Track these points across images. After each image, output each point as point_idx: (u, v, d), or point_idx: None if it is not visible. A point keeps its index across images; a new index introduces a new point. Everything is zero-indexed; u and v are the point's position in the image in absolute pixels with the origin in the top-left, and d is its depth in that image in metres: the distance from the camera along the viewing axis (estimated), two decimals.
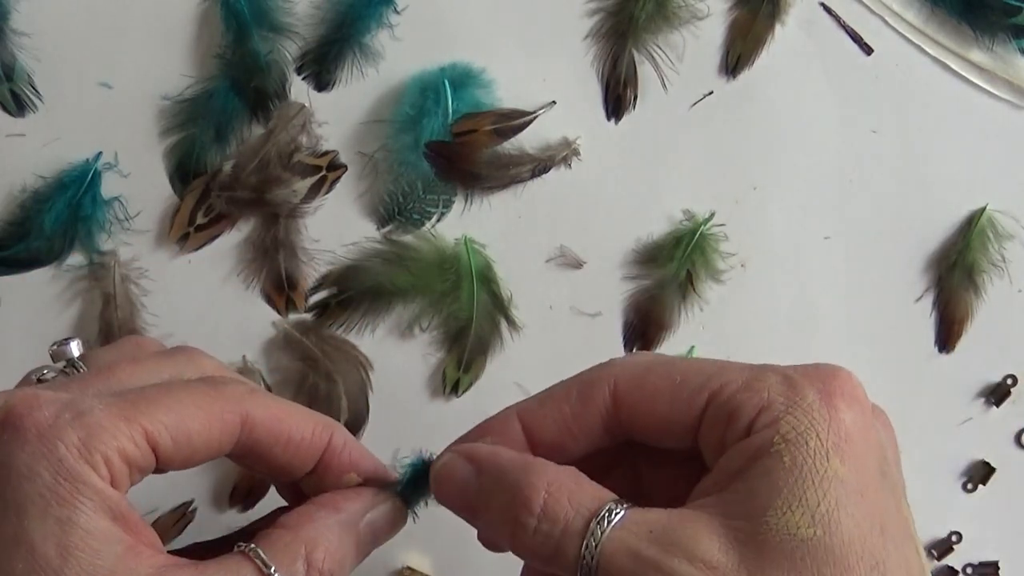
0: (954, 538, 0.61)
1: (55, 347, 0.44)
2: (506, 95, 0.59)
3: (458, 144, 0.58)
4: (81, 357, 0.44)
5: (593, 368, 0.43)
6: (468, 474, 0.42)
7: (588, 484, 0.41)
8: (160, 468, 0.40)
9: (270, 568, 0.39)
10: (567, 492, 0.40)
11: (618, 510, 0.39)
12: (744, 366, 0.42)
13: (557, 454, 0.43)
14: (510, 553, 0.41)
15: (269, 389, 0.59)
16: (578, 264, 0.60)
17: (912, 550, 0.39)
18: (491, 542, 0.43)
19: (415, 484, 0.45)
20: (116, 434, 0.38)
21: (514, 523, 0.40)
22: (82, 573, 0.36)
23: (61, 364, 0.44)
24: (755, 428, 0.40)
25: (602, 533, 0.39)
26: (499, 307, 0.60)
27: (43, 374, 0.43)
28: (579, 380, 0.43)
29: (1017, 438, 0.62)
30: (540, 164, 0.59)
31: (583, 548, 0.39)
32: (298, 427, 0.42)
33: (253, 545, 0.39)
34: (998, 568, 0.62)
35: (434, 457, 0.44)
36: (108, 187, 0.58)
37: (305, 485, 0.44)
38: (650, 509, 0.40)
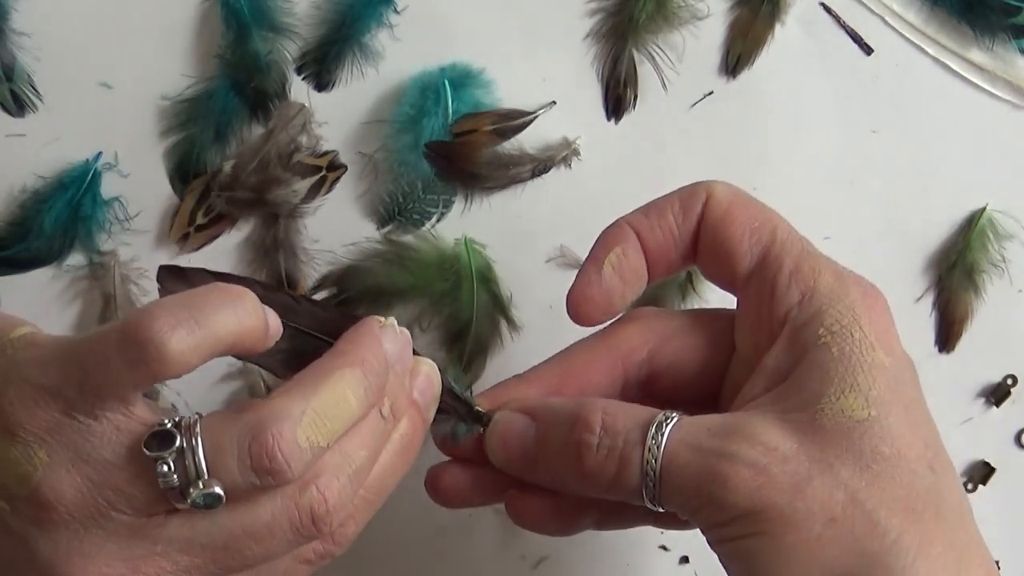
0: None
1: None
2: (506, 95, 0.59)
3: (458, 144, 0.58)
4: None
5: (690, 185, 0.46)
6: (524, 425, 0.45)
7: (637, 405, 0.43)
8: None
9: None
10: (621, 411, 0.43)
11: (673, 416, 0.42)
12: (803, 248, 0.44)
13: (663, 265, 0.46)
14: None
15: (268, 389, 0.59)
16: (578, 264, 0.60)
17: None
18: (529, 514, 0.45)
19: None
20: None
21: (578, 447, 0.42)
22: None
23: None
24: (794, 317, 0.43)
25: (662, 436, 0.41)
26: (499, 307, 0.60)
27: None
28: (678, 192, 0.46)
29: (1017, 438, 0.62)
30: (540, 164, 0.59)
31: (645, 453, 0.41)
32: None
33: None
34: (998, 568, 0.61)
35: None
36: (108, 187, 0.58)
37: None
38: (703, 416, 0.42)
